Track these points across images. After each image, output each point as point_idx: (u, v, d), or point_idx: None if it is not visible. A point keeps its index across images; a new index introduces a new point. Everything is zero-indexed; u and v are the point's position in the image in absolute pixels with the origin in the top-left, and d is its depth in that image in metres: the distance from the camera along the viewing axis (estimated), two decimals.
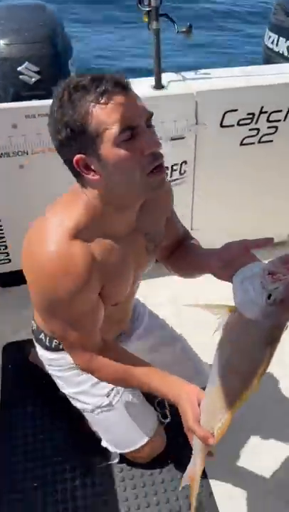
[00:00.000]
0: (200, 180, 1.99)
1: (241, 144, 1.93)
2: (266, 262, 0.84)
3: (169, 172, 1.92)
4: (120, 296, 1.11)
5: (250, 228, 2.22)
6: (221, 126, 1.85)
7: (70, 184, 0.98)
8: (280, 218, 2.29)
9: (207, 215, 2.11)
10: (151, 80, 1.78)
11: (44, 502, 1.34)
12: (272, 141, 1.95)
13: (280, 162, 2.05)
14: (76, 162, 0.86)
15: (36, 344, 1.34)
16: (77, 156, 0.85)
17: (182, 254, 1.20)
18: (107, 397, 1.26)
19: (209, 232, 2.13)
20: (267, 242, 0.94)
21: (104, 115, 0.81)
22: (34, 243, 0.93)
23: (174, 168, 1.92)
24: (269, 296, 0.76)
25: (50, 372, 1.36)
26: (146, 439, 1.30)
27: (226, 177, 2.02)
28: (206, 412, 0.98)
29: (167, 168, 1.91)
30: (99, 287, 0.99)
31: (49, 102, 0.88)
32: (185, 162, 1.92)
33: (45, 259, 0.89)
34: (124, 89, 0.84)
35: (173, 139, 1.83)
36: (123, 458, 1.40)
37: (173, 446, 1.38)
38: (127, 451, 1.33)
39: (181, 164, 1.92)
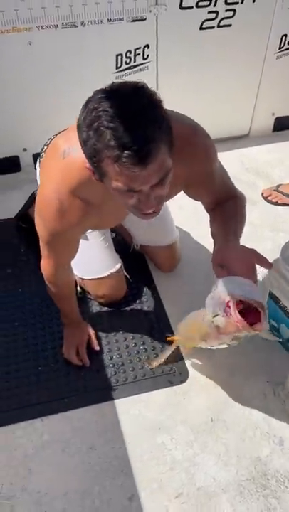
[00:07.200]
0: (163, 68, 2.08)
1: (201, 27, 2.01)
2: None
3: (132, 56, 2.01)
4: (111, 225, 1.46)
5: (216, 118, 2.34)
6: (181, 7, 1.92)
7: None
8: (242, 111, 2.40)
9: (170, 106, 2.20)
10: None
11: None
12: (231, 25, 2.03)
13: (240, 48, 2.13)
14: (86, 163, 0.90)
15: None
16: (87, 164, 0.89)
17: (213, 218, 1.23)
18: None
19: None
20: (268, 265, 1.05)
21: (114, 172, 0.83)
22: (47, 181, 1.06)
23: (137, 52, 2.00)
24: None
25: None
26: (106, 273, 1.47)
27: (188, 63, 2.10)
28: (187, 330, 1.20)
29: (130, 52, 1.99)
30: (80, 235, 1.19)
31: None
32: (147, 46, 2.00)
33: (50, 200, 1.04)
34: (145, 163, 0.81)
35: (134, 20, 1.90)
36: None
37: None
38: (87, 278, 1.51)
39: (143, 48, 2.00)
